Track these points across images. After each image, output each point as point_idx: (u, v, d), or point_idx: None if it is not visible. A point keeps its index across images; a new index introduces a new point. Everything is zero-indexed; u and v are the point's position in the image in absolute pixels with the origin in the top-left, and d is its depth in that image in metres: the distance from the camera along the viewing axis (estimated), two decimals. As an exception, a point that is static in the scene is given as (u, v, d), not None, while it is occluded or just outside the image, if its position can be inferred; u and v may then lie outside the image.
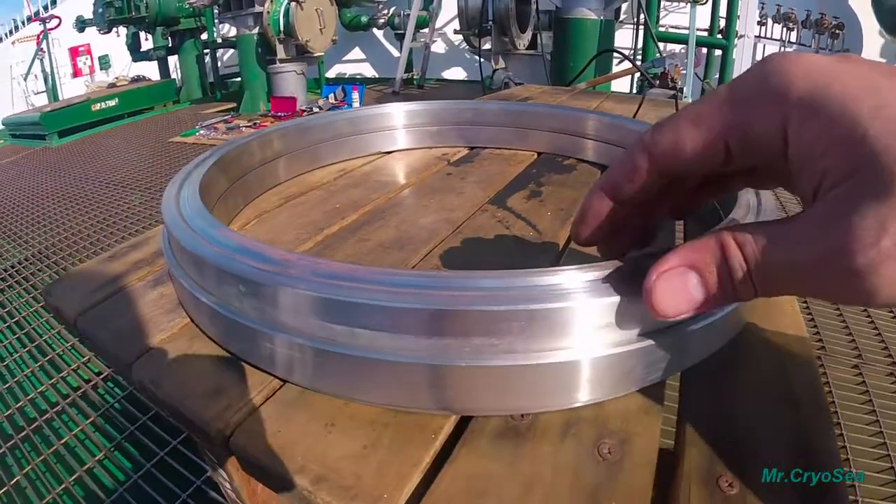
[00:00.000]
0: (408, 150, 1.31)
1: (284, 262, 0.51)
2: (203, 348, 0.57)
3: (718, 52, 6.05)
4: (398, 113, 1.29)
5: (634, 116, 1.90)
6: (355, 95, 6.93)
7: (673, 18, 7.95)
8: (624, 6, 6.42)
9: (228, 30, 9.73)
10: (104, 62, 12.31)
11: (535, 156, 1.31)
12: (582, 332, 0.45)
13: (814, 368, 0.55)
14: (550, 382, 0.45)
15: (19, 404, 2.23)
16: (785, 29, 7.41)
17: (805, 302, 2.45)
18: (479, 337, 0.44)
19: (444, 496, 0.40)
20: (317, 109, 6.64)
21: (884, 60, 6.95)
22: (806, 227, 0.31)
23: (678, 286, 0.36)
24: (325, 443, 0.45)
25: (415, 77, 8.92)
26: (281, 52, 6.80)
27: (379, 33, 10.27)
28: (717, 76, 5.67)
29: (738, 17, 6.07)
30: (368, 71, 11.08)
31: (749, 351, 0.57)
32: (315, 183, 1.10)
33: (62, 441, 1.99)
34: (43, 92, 11.48)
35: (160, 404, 0.52)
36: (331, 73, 10.54)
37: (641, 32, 5.94)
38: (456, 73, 10.20)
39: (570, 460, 0.43)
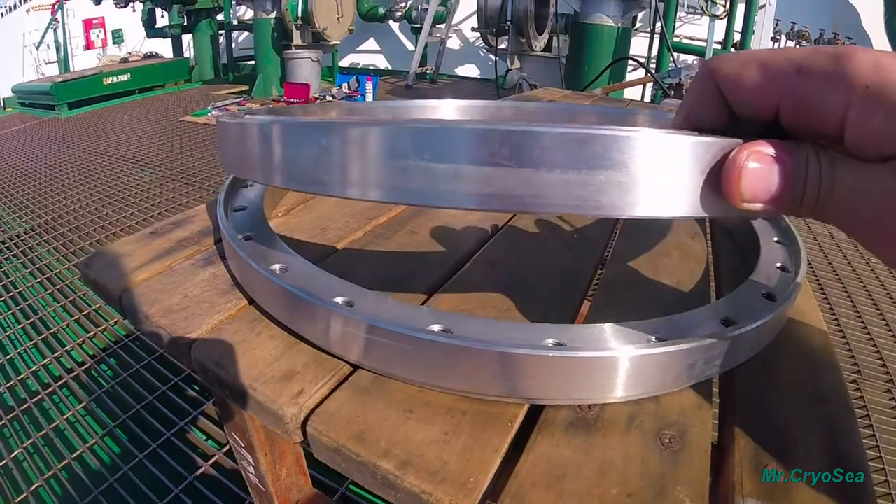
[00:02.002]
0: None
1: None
2: (267, 330, 0.57)
3: (731, 65, 6.05)
4: (440, 109, 1.29)
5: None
6: (369, 86, 6.93)
7: (687, 29, 7.97)
8: (640, 14, 6.43)
9: (244, 12, 9.72)
10: (117, 36, 12.28)
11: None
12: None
13: (838, 371, 0.60)
14: (616, 376, 0.48)
15: (10, 383, 2.18)
16: (798, 46, 7.43)
17: (841, 330, 2.49)
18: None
19: (528, 478, 0.42)
20: (330, 98, 6.65)
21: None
22: (884, 172, 0.32)
23: (764, 174, 0.36)
24: (405, 428, 0.46)
25: (428, 71, 8.92)
26: (297, 38, 6.81)
27: (394, 26, 10.26)
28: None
29: (754, 32, 6.09)
30: (382, 62, 11.07)
31: (783, 354, 0.61)
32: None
33: (53, 424, 1.94)
34: (54, 62, 11.47)
35: (225, 386, 0.52)
36: (344, 63, 10.54)
37: (657, 41, 5.94)
38: (469, 70, 10.19)
39: (638, 449, 0.46)
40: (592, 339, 0.51)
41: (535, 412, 0.49)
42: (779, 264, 0.75)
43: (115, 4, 9.40)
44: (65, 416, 1.97)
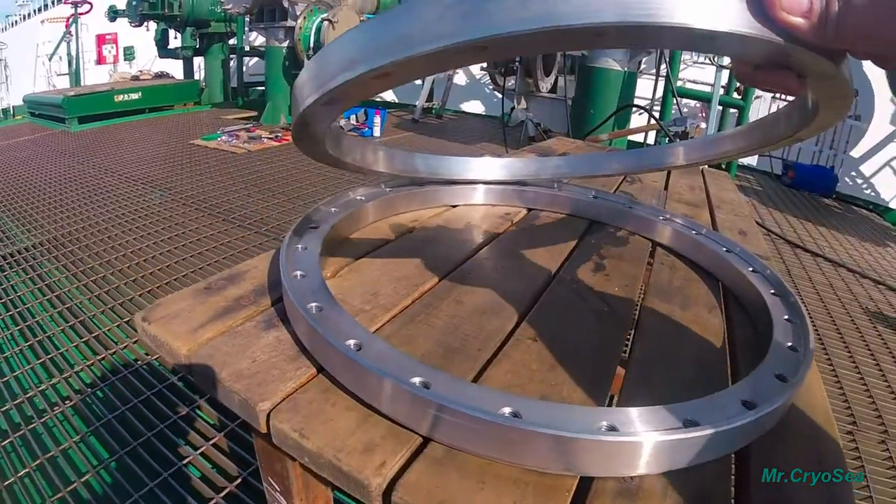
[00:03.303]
0: (472, 205, 1.38)
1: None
2: (341, 401, 0.63)
3: (734, 110, 6.16)
4: (465, 169, 1.36)
5: (666, 185, 1.98)
6: (377, 119, 7.01)
7: (691, 72, 8.08)
8: (646, 58, 6.53)
9: (256, 38, 9.83)
10: (129, 53, 12.40)
11: (589, 223, 1.38)
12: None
13: (838, 445, 0.69)
14: (656, 454, 0.58)
15: (17, 400, 2.18)
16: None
17: (838, 381, 2.55)
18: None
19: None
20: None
21: (893, 128, 7.08)
22: None
23: None
24: (480, 499, 0.53)
25: (435, 106, 9.03)
26: (309, 68, 6.89)
27: (402, 59, 10.35)
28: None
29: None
30: (388, 94, 11.16)
31: (791, 429, 0.71)
32: (394, 230, 1.17)
33: (62, 447, 1.94)
34: (65, 74, 11.56)
35: (307, 454, 0.57)
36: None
37: (661, 84, 6.04)
38: (475, 107, 10.31)
39: (673, 515, 0.56)
40: (637, 423, 0.60)
41: (586, 483, 0.57)
42: (789, 344, 0.83)
43: (130, 23, 9.49)
44: (73, 439, 1.98)
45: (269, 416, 0.61)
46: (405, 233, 1.17)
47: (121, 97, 8.07)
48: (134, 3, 9.11)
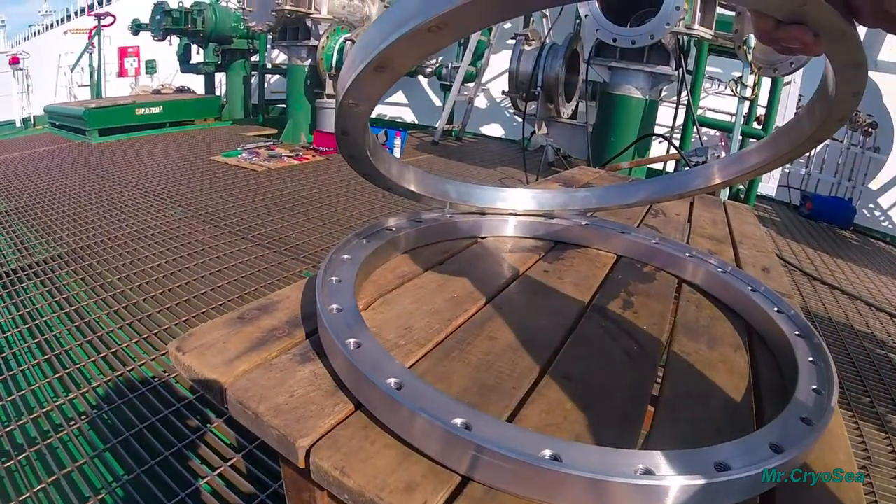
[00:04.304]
0: (500, 236, 1.39)
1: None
2: (381, 438, 0.64)
3: (753, 140, 6.15)
4: (496, 200, 1.38)
5: (689, 216, 1.99)
6: (397, 141, 7.05)
7: (711, 101, 8.09)
8: (666, 85, 6.55)
9: (278, 56, 9.91)
10: (150, 67, 12.51)
11: (615, 258, 1.38)
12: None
13: (858, 490, 0.71)
14: (688, 497, 0.59)
15: (34, 415, 2.17)
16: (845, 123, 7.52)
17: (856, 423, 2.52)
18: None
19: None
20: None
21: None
22: None
23: None
24: None
25: (454, 129, 9.08)
26: (330, 87, 6.95)
27: (424, 81, 10.43)
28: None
29: (779, 108, 6.18)
30: (409, 116, 11.25)
31: (814, 472, 0.72)
32: (424, 261, 1.18)
33: (79, 463, 1.94)
34: (87, 86, 11.64)
35: (348, 491, 0.58)
36: (372, 113, 10.68)
37: (681, 112, 6.04)
38: (494, 130, 10.34)
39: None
40: (671, 467, 0.62)
41: None
42: (814, 387, 0.84)
43: (153, 37, 9.62)
44: (89, 455, 1.98)
45: (308, 452, 0.61)
46: (436, 265, 1.18)
47: (142, 111, 8.16)
48: (157, 17, 9.24)
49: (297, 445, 0.62)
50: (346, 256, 1.02)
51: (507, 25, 9.15)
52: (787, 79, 5.88)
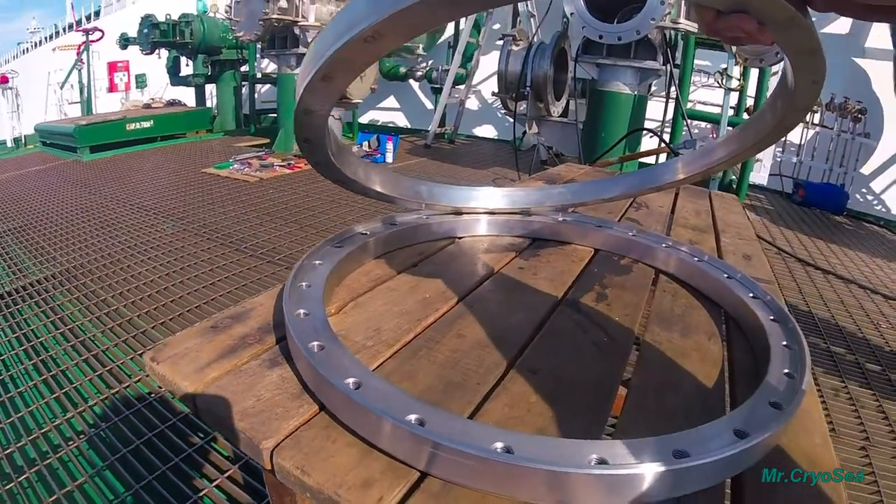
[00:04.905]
0: (477, 236, 1.40)
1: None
2: (342, 438, 0.65)
3: (743, 130, 6.15)
4: (471, 199, 1.38)
5: (673, 208, 1.99)
6: (389, 146, 7.06)
7: (701, 94, 8.09)
8: (656, 80, 6.57)
9: (268, 65, 9.92)
10: (141, 81, 12.49)
11: (593, 252, 1.39)
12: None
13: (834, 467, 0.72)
14: (645, 486, 0.60)
15: (32, 436, 2.16)
16: (809, 112, 7.57)
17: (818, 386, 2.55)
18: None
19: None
20: (350, 155, 6.77)
21: (904, 146, 7.10)
22: None
23: None
24: None
25: (447, 132, 9.09)
26: (321, 94, 6.93)
27: (415, 85, 10.44)
28: (741, 154, 5.78)
29: (766, 98, 6.21)
30: (401, 120, 11.27)
31: (788, 456, 0.73)
32: (398, 264, 1.19)
33: (78, 482, 1.93)
34: (77, 103, 11.62)
35: (309, 490, 0.59)
36: (364, 119, 10.71)
37: (671, 107, 6.06)
38: (487, 131, 10.35)
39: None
40: (627, 456, 0.62)
41: None
42: (786, 370, 0.84)
43: (141, 51, 9.61)
44: (88, 474, 1.97)
45: (272, 453, 0.62)
46: (410, 267, 1.19)
47: (133, 125, 8.14)
48: (145, 30, 9.23)
49: (261, 447, 0.63)
50: (317, 262, 1.03)
51: (496, 26, 9.17)
52: (774, 69, 5.88)
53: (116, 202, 5.27)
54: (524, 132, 6.91)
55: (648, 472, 0.59)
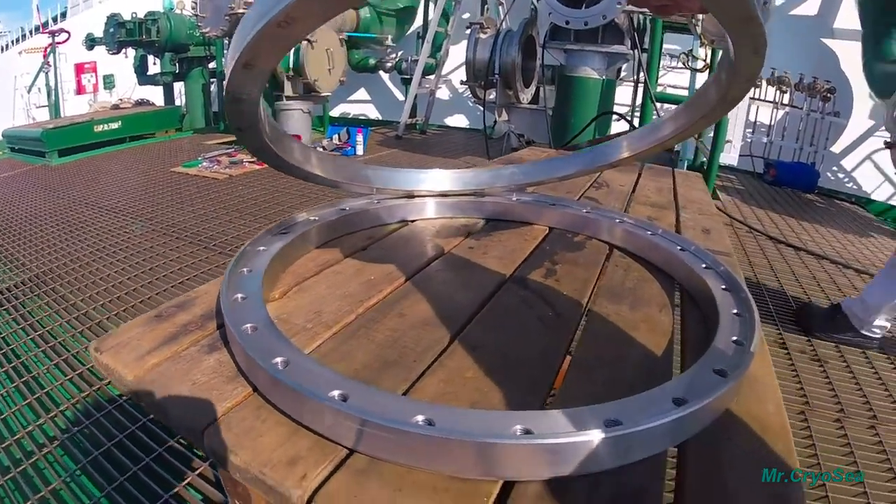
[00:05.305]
0: (430, 219, 1.39)
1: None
2: (272, 417, 0.64)
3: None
4: (422, 181, 1.37)
5: (634, 187, 2.00)
6: (359, 138, 7.03)
7: (671, 78, 8.12)
8: (625, 65, 6.58)
9: (236, 62, 9.81)
10: (108, 82, 12.32)
11: (547, 230, 1.39)
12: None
13: (788, 439, 0.69)
14: (576, 457, 0.59)
15: (5, 443, 2.14)
16: (778, 91, 7.61)
17: (791, 361, 2.60)
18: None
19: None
20: (320, 149, 6.74)
21: (872, 122, 7.15)
22: None
23: None
24: None
25: (418, 122, 9.08)
26: (288, 89, 6.90)
27: (385, 76, 10.40)
28: (712, 135, 5.81)
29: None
30: (372, 112, 11.21)
31: (736, 424, 0.71)
32: (347, 248, 1.18)
33: (51, 486, 1.91)
34: (45, 106, 11.45)
35: (238, 470, 0.58)
36: (335, 112, 10.66)
37: (640, 91, 6.07)
38: (458, 121, 10.35)
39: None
40: (554, 425, 0.61)
41: (510, 487, 0.58)
42: (735, 338, 0.84)
43: (108, 51, 9.46)
44: (61, 478, 1.95)
45: (202, 434, 0.62)
46: (358, 251, 1.18)
47: (101, 127, 8.02)
48: (111, 30, 9.08)
49: (196, 430, 0.63)
50: (261, 248, 1.02)
51: (466, 15, 9.15)
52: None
53: (85, 205, 5.21)
54: (495, 120, 6.91)
55: (577, 441, 0.58)
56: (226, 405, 0.66)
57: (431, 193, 1.38)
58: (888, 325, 2.78)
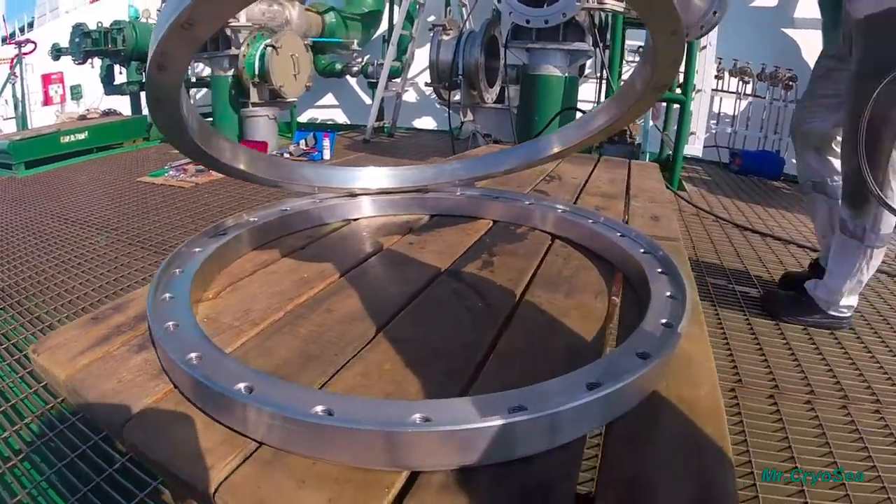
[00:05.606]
0: (373, 217, 1.40)
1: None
2: (188, 412, 0.66)
3: (677, 105, 6.25)
4: (363, 179, 1.39)
5: (588, 179, 2.02)
6: (326, 143, 7.01)
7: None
8: (589, 62, 6.62)
9: (202, 69, 9.78)
10: (76, 92, 12.18)
11: (491, 224, 1.41)
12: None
13: (720, 420, 0.69)
14: (478, 445, 0.59)
15: None
16: (741, 82, 7.72)
17: (725, 337, 2.64)
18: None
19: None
20: (287, 155, 6.73)
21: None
22: None
23: None
24: (298, 496, 0.55)
25: (386, 125, 9.09)
26: (254, 95, 6.89)
27: (352, 80, 10.39)
28: (676, 128, 5.87)
29: (697, 72, 6.29)
30: (340, 117, 11.20)
31: (664, 407, 0.72)
32: (287, 247, 1.19)
33: (16, 499, 1.89)
34: (12, 118, 11.32)
35: (151, 464, 0.59)
36: (303, 118, 10.63)
37: (604, 87, 6.12)
38: (426, 123, 10.38)
39: (502, 507, 0.56)
40: (456, 413, 0.61)
41: (415, 477, 0.59)
42: (664, 321, 0.84)
43: (74, 61, 9.37)
44: (26, 490, 1.94)
45: (122, 431, 0.63)
46: (296, 250, 1.19)
47: (67, 138, 7.92)
48: (77, 40, 8.98)
49: (116, 426, 0.65)
50: (196, 249, 1.03)
51: (431, 18, 9.16)
52: (702, 42, 5.97)
53: (51, 217, 5.16)
54: (462, 121, 6.93)
55: (478, 427, 0.58)
56: (147, 401, 0.68)
57: (372, 191, 1.39)
58: (855, 302, 2.81)
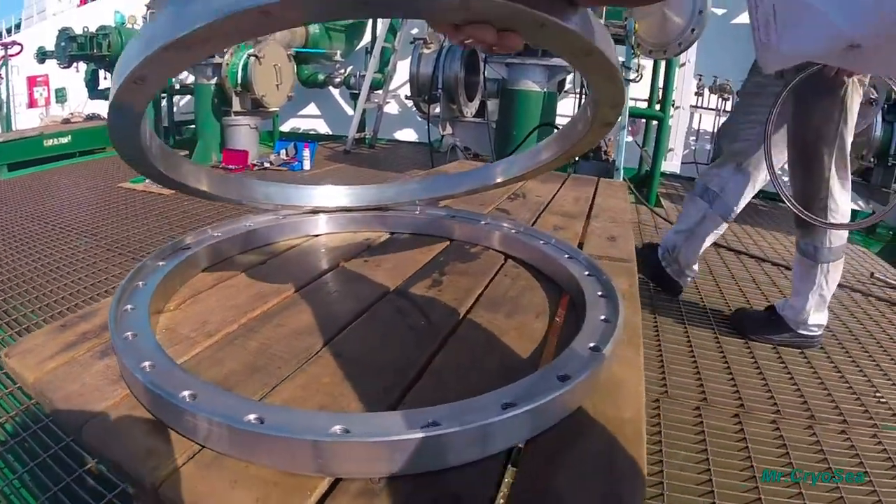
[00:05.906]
0: (332, 234, 1.47)
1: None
2: (142, 416, 0.73)
3: (655, 122, 6.33)
4: (325, 197, 1.45)
5: (553, 196, 2.09)
6: (306, 153, 7.06)
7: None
8: (569, 77, 6.70)
9: (186, 76, 9.80)
10: (60, 95, 12.13)
11: (448, 243, 1.47)
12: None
13: (639, 442, 0.73)
14: (393, 457, 0.64)
15: None
16: (721, 99, 7.81)
17: (693, 356, 2.70)
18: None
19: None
20: (268, 164, 6.78)
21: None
22: None
23: None
24: (229, 495, 0.62)
25: (367, 137, 9.16)
26: (237, 104, 6.93)
27: (335, 91, 10.41)
28: (654, 144, 5.95)
29: (676, 89, 6.38)
30: (322, 127, 11.27)
31: (584, 427, 0.76)
32: (247, 262, 1.25)
33: None
34: (-4, 120, 11.28)
35: (106, 463, 0.66)
36: (285, 127, 10.65)
37: (583, 102, 6.19)
38: (407, 135, 10.45)
39: (413, 518, 0.63)
40: (374, 426, 0.67)
41: (338, 483, 0.65)
42: (592, 344, 0.88)
43: (59, 64, 9.36)
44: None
45: (81, 432, 0.70)
46: (257, 265, 1.26)
47: (50, 141, 7.92)
48: (62, 43, 8.99)
49: (76, 427, 0.71)
50: (160, 263, 1.09)
51: (414, 31, 9.23)
52: (682, 59, 6.05)
53: (32, 220, 5.17)
54: (441, 134, 7.00)
55: (393, 440, 0.64)
56: (105, 405, 0.74)
57: (330, 208, 1.45)
58: (824, 321, 2.83)
